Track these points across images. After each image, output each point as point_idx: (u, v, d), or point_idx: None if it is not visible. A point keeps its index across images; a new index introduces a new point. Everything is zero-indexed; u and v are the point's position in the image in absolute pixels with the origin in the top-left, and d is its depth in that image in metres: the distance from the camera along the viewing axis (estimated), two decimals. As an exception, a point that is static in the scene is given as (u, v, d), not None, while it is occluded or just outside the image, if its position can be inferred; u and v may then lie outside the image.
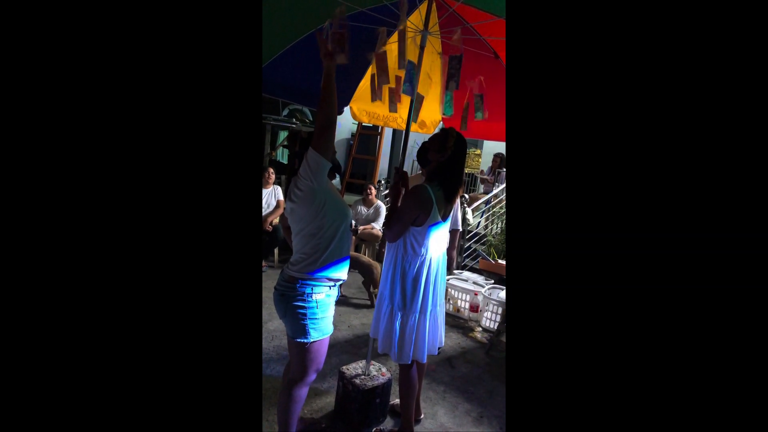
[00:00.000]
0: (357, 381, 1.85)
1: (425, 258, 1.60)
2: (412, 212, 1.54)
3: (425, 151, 1.62)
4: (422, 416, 1.99)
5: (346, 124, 7.96)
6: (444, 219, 1.62)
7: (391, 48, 1.88)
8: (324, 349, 1.48)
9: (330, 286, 1.44)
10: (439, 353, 1.87)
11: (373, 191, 4.06)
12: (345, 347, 2.63)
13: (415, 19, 1.87)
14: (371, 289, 3.33)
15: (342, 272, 1.47)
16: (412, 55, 1.77)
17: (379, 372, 1.95)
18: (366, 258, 3.30)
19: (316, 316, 1.40)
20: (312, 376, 1.48)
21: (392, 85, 1.95)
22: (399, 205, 1.61)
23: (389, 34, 1.93)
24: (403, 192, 1.64)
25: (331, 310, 1.47)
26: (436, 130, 2.26)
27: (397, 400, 1.89)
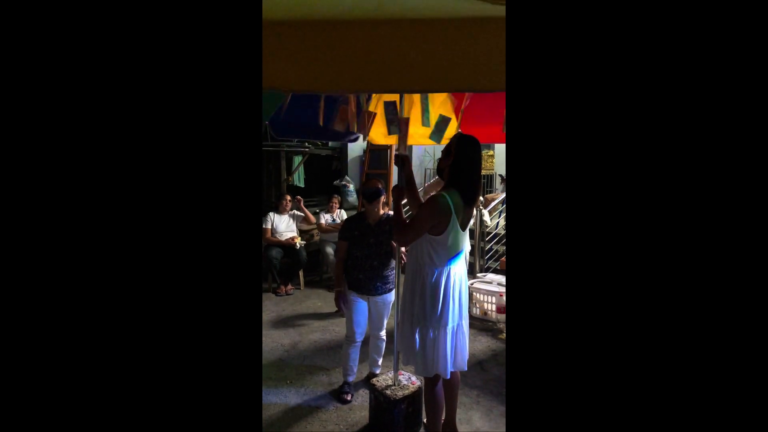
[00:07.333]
0: (388, 392, 1.89)
1: (444, 269, 1.56)
2: (428, 221, 1.51)
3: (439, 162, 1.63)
4: None
5: (357, 142, 8.12)
6: (463, 227, 1.57)
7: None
8: None
9: None
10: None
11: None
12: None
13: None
14: None
15: None
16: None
17: (409, 381, 1.99)
18: None
19: None
20: None
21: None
22: (415, 213, 1.62)
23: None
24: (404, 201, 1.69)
25: None
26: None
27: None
